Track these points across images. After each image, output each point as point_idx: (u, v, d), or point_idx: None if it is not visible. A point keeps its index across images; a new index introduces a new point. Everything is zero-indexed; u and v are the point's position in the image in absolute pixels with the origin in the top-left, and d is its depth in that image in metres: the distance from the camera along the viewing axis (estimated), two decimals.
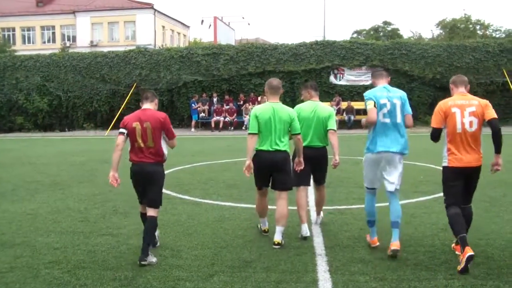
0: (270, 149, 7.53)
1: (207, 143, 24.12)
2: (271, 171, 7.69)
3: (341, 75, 33.98)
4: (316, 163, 8.30)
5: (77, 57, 37.16)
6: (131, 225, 8.63)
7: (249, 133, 7.57)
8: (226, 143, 23.45)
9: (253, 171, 7.59)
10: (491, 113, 6.59)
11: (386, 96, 7.11)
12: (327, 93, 32.71)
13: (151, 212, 7.04)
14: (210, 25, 50.61)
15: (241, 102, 33.73)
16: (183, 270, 6.39)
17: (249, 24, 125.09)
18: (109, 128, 33.39)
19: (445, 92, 31.00)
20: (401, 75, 33.12)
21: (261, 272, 6.25)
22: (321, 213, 8.94)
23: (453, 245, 7.06)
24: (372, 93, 7.19)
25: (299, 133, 7.68)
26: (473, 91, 30.81)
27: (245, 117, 33.14)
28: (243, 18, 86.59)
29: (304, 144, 7.92)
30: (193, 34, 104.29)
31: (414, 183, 12.35)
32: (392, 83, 7.56)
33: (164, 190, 11.60)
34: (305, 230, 7.92)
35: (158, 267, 6.50)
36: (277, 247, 7.38)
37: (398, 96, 7.19)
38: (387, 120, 7.08)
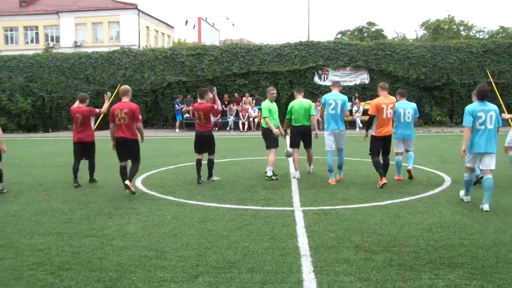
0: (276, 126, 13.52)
1: (192, 144, 24.02)
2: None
3: (326, 76, 34.10)
4: (304, 135, 13.63)
5: (61, 58, 36.99)
6: (115, 226, 8.60)
7: (264, 117, 13.46)
8: None
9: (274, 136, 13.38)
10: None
11: (333, 99, 12.94)
12: (312, 93, 32.73)
13: (211, 157, 13.20)
14: (194, 25, 50.44)
15: (226, 103, 33.70)
16: (168, 271, 6.37)
17: (233, 24, 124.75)
18: (93, 129, 33.21)
19: (429, 92, 30.91)
20: (385, 75, 33.24)
21: (246, 273, 6.24)
22: (312, 165, 14.33)
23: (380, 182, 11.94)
24: (325, 97, 13.21)
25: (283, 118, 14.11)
26: (456, 92, 30.99)
27: (229, 117, 33.11)
28: (227, 18, 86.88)
29: (297, 124, 13.51)
30: (177, 35, 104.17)
31: (398, 183, 12.41)
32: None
33: (148, 191, 11.66)
34: (297, 174, 13.42)
35: (143, 268, 6.48)
36: (267, 179, 13.15)
37: (341, 99, 12.97)
38: (334, 112, 12.84)
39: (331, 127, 12.86)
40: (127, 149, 11.73)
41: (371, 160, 12.34)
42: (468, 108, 9.67)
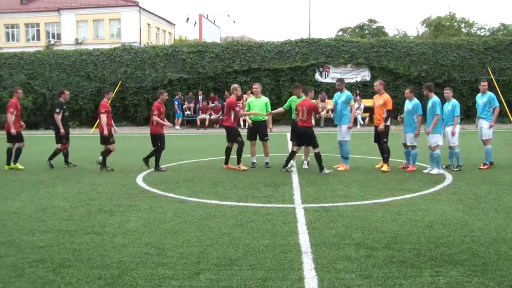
0: (257, 120, 14.96)
1: (193, 141, 24.03)
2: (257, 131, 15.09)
3: (327, 73, 34.05)
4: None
5: (62, 55, 36.93)
6: (116, 223, 8.58)
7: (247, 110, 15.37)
8: (212, 141, 23.43)
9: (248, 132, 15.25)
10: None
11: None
12: (313, 91, 32.61)
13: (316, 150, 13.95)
14: (195, 23, 50.54)
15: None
16: (169, 268, 6.36)
17: (234, 22, 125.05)
18: (94, 126, 33.23)
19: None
20: (386, 73, 33.28)
21: (247, 270, 6.24)
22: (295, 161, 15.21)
23: (380, 167, 14.05)
24: (351, 96, 14.94)
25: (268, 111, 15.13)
26: (458, 89, 30.95)
27: None
28: (228, 16, 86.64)
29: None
30: (178, 32, 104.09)
31: (399, 180, 12.40)
32: None
33: (149, 188, 11.65)
34: (305, 164, 14.96)
35: (144, 265, 6.47)
36: (266, 165, 14.97)
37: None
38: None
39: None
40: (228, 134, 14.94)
41: (382, 147, 14.17)
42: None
